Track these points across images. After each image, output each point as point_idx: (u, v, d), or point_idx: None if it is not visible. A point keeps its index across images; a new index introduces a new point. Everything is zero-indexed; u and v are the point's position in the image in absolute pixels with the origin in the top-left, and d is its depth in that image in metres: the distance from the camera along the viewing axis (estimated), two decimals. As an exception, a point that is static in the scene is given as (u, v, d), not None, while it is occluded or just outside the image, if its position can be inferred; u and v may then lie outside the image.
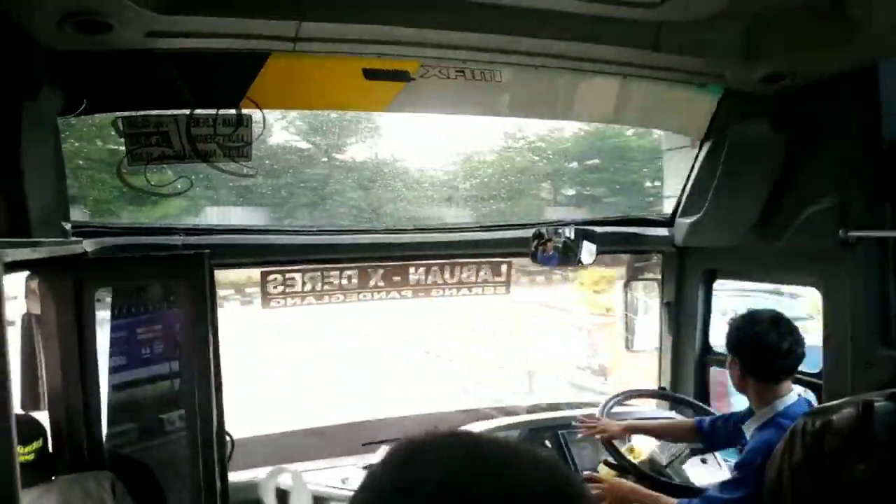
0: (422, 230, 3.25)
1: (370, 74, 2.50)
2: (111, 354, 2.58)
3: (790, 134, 2.55)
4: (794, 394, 2.31)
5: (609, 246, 3.32)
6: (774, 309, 2.39)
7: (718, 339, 3.33)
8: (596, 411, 2.92)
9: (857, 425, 1.81)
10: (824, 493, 1.77)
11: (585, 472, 2.67)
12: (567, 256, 3.14)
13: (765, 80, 2.39)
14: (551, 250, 3.02)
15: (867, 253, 2.40)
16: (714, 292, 3.38)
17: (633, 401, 3.29)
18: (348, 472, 3.00)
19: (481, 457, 0.63)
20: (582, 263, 3.22)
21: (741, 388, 2.36)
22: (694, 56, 2.30)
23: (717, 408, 3.29)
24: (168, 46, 1.94)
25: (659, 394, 3.44)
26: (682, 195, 3.29)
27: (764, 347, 2.24)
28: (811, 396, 2.65)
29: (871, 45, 2.10)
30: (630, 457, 2.80)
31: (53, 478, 2.28)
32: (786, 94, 2.49)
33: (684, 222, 3.24)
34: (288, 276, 3.11)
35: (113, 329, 2.57)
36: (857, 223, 2.35)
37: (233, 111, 2.45)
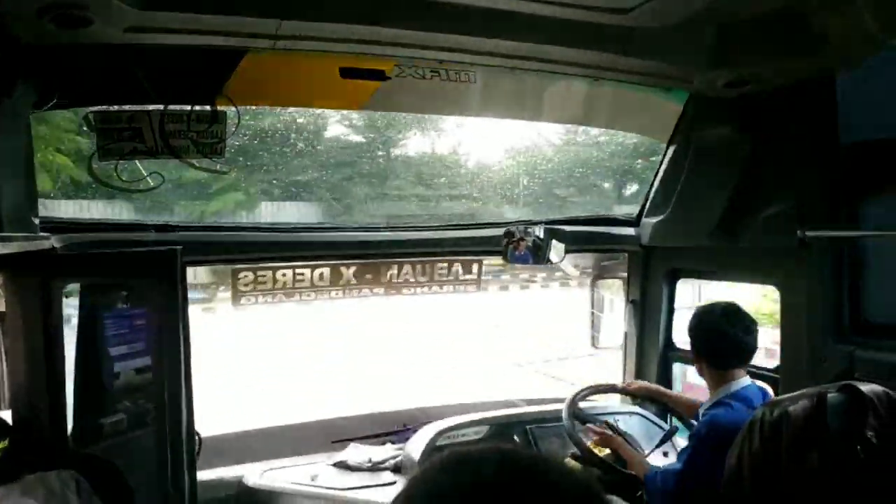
0: (395, 228, 3.28)
1: (347, 73, 2.52)
2: (78, 352, 2.53)
3: (753, 137, 2.65)
4: (746, 380, 2.50)
5: (577, 245, 3.39)
6: (732, 301, 2.58)
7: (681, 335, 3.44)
8: (562, 406, 2.98)
9: (812, 416, 1.90)
10: (782, 481, 1.85)
11: (588, 425, 2.90)
12: (537, 255, 3.21)
13: (729, 85, 2.47)
14: (523, 249, 3.07)
15: (823, 252, 2.51)
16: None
17: (597, 396, 3.36)
18: (318, 469, 3.01)
19: (516, 463, 0.68)
20: (550, 262, 3.30)
21: (700, 374, 2.61)
22: (662, 61, 2.37)
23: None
24: (146, 41, 1.91)
25: (620, 389, 3.52)
26: (647, 196, 3.38)
27: (716, 335, 2.48)
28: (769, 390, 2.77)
29: (829, 56, 2.20)
30: (596, 451, 2.88)
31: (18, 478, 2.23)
32: (749, 100, 2.58)
33: (650, 222, 3.33)
34: (259, 273, 3.10)
35: (80, 326, 2.52)
36: (815, 224, 2.45)
37: (207, 107, 2.44)
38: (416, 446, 2.91)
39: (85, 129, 2.37)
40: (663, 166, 3.25)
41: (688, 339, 2.72)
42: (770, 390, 2.67)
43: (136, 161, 2.49)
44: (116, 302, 2.59)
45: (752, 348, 2.49)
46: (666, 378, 3.47)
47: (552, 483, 0.66)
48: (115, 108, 2.36)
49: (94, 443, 2.51)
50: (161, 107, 2.40)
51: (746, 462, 1.91)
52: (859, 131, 2.41)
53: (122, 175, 2.46)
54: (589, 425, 2.96)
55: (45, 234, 2.34)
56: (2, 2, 1.54)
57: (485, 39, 2.18)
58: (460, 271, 3.46)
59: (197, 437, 2.62)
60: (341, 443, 3.29)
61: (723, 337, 2.47)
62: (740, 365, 2.51)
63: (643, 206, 3.44)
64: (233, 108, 2.50)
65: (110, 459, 2.49)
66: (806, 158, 2.51)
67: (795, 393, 1.97)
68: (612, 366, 3.82)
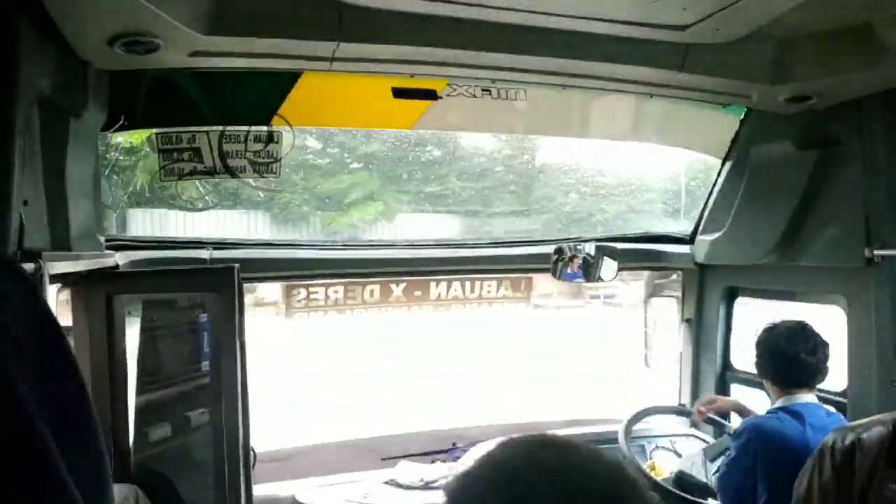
0: (443, 245, 3.28)
1: (399, 93, 2.54)
2: (139, 367, 2.60)
3: (816, 154, 2.57)
4: (808, 397, 2.42)
5: (629, 262, 3.34)
6: (800, 320, 2.51)
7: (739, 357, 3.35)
8: (619, 427, 2.92)
9: (888, 443, 1.81)
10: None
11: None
12: (588, 272, 3.17)
13: (790, 100, 2.41)
14: (575, 267, 3.04)
15: (892, 272, 2.40)
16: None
17: (653, 417, 3.28)
18: (369, 487, 3.01)
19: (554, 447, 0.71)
20: (602, 279, 3.25)
21: (767, 393, 2.55)
22: (720, 77, 2.32)
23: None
24: (209, 66, 1.98)
25: (678, 410, 3.43)
26: (702, 213, 3.31)
27: (781, 355, 2.42)
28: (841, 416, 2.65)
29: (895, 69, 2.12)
30: (652, 474, 2.81)
31: None
32: (811, 115, 2.51)
33: (705, 240, 3.25)
34: (311, 289, 3.15)
35: (142, 342, 2.59)
36: (882, 242, 2.36)
37: (264, 128, 2.50)
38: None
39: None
40: (718, 183, 3.17)
41: (747, 360, 2.68)
42: (842, 416, 2.56)
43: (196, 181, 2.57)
44: (176, 319, 2.66)
45: (817, 369, 2.42)
46: (723, 399, 3.37)
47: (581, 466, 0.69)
48: (177, 129, 2.43)
49: (153, 457, 2.57)
50: (220, 128, 2.47)
51: (816, 491, 1.83)
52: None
53: (183, 194, 2.54)
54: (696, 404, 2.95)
55: (109, 252, 2.42)
56: (75, 30, 1.60)
57: (539, 58, 2.17)
58: (510, 288, 3.44)
59: (252, 453, 2.66)
60: (391, 460, 3.29)
61: (785, 356, 2.42)
62: (806, 386, 2.43)
63: (697, 224, 3.37)
64: (288, 129, 2.55)
65: (167, 474, 2.54)
66: (873, 175, 2.42)
67: (869, 419, 1.88)
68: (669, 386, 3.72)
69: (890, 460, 1.80)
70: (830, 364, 2.46)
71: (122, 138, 2.75)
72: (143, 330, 2.67)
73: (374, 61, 2.11)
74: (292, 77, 2.36)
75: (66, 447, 0.68)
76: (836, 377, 2.67)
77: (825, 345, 2.42)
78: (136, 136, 2.81)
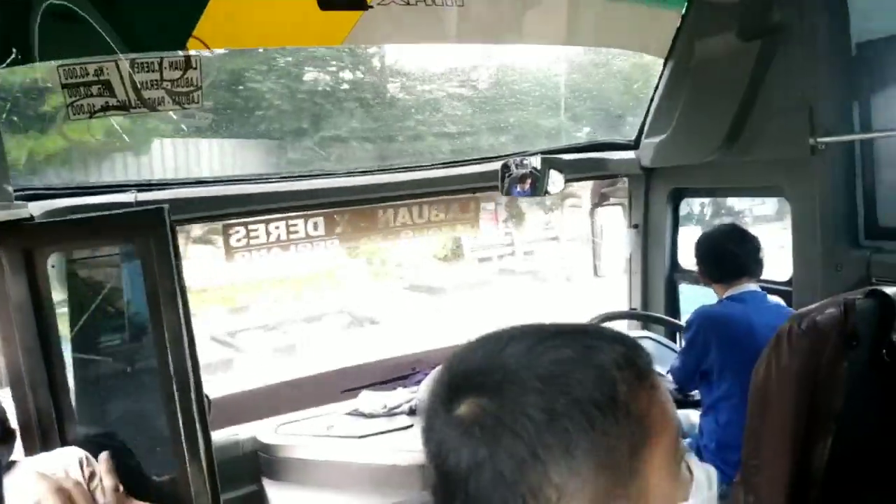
0: (386, 170, 3.15)
1: (325, 3, 2.33)
2: (72, 325, 2.43)
3: (759, 44, 2.51)
4: (749, 285, 2.60)
5: (576, 173, 3.30)
6: (733, 221, 2.80)
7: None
8: None
9: (841, 324, 1.85)
10: (815, 394, 1.82)
11: None
12: (535, 187, 3.10)
13: (733, -14, 2.33)
14: (525, 183, 2.97)
15: (835, 158, 2.42)
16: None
17: (608, 323, 3.34)
18: (332, 420, 2.97)
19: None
20: (549, 193, 3.20)
21: (716, 292, 2.70)
22: None
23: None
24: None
25: (633, 314, 3.50)
26: (646, 116, 3.26)
27: (717, 252, 2.64)
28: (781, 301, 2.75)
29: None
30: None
31: (19, 459, 2.14)
32: (752, 3, 2.45)
33: (650, 143, 3.22)
34: (251, 227, 2.98)
35: (72, 297, 2.41)
36: (826, 129, 2.36)
37: (180, 53, 2.26)
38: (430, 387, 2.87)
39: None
40: (661, 84, 3.12)
41: (693, 261, 2.76)
42: (781, 301, 2.67)
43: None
44: (108, 269, 2.47)
45: (751, 259, 2.61)
46: (673, 300, 3.45)
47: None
48: (82, 60, 2.17)
49: (99, 417, 2.44)
50: (130, 56, 2.22)
51: (775, 375, 1.86)
52: (871, 28, 2.29)
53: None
54: None
55: (21, 203, 2.19)
56: None
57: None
58: (458, 212, 3.35)
59: (207, 399, 2.55)
60: (351, 392, 3.25)
61: (721, 252, 2.63)
62: (744, 276, 2.61)
63: (641, 128, 3.33)
64: (206, 52, 2.32)
65: (117, 433, 2.42)
66: (816, 61, 2.39)
67: (821, 302, 1.91)
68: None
69: (842, 339, 1.85)
70: (764, 255, 2.65)
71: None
72: (71, 285, 2.48)
73: (295, -34, 1.90)
74: (205, -9, 2.12)
75: None
76: (783, 268, 2.77)
77: (755, 238, 2.63)
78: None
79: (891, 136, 2.37)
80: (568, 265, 11.75)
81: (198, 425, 2.35)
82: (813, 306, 1.98)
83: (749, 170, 2.81)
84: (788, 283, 2.74)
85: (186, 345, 2.33)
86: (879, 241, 2.40)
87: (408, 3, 2.43)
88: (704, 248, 2.71)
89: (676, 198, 3.35)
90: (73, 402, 2.39)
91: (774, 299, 2.68)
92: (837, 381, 1.83)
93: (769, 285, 2.81)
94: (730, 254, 2.61)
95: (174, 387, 2.30)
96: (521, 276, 12.57)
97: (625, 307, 3.67)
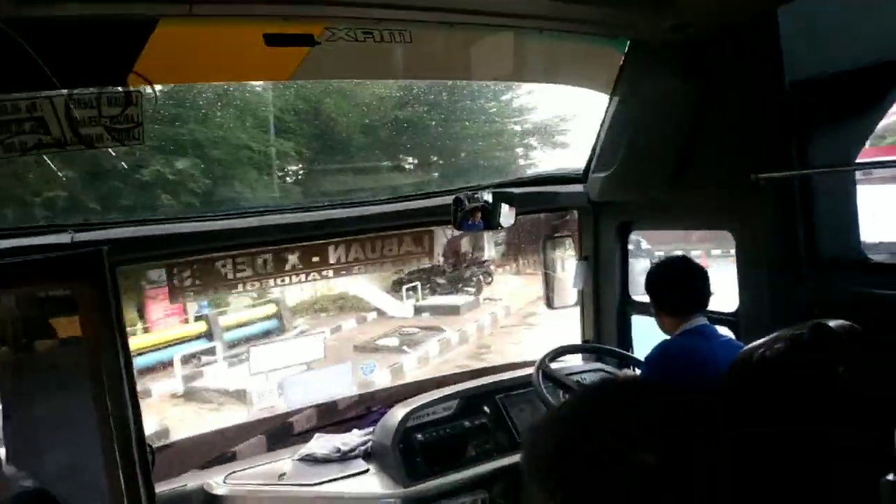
0: (337, 206, 3.10)
1: (272, 40, 2.29)
2: (4, 375, 2.28)
3: (698, 83, 2.60)
4: (701, 319, 2.59)
5: (527, 206, 3.32)
6: (682, 254, 2.80)
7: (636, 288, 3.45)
8: (530, 371, 2.94)
9: (789, 359, 1.89)
10: (766, 426, 1.84)
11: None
12: (487, 220, 3.11)
13: (672, 29, 2.41)
14: (476, 217, 2.97)
15: (776, 193, 2.50)
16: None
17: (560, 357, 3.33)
18: (284, 466, 2.86)
19: None
20: (502, 226, 3.21)
21: (660, 324, 2.70)
22: (606, 6, 2.27)
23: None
24: (41, 14, 1.66)
25: (588, 347, 3.51)
26: (593, 150, 3.32)
27: (671, 286, 2.63)
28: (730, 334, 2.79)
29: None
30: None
31: None
32: (692, 45, 2.53)
33: (598, 177, 3.28)
34: (196, 266, 2.87)
35: (4, 345, 2.26)
36: (766, 166, 2.44)
37: (119, 88, 2.18)
38: (386, 430, 2.80)
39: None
40: (607, 119, 3.18)
41: (643, 292, 2.78)
42: (731, 335, 2.71)
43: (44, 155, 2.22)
44: (40, 316, 2.33)
45: (703, 293, 2.61)
46: (625, 331, 3.48)
47: None
48: (12, 96, 2.07)
49: (32, 473, 2.28)
50: (65, 91, 2.13)
51: (733, 412, 1.88)
52: (804, 68, 2.40)
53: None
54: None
55: (-57, 246, 2.06)
56: None
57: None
58: (412, 245, 3.33)
59: (149, 449, 2.42)
60: (303, 435, 3.15)
61: (675, 286, 2.61)
62: (697, 310, 2.60)
63: (589, 162, 3.38)
64: (148, 88, 2.25)
65: (51, 490, 2.26)
66: (752, 100, 2.48)
67: (770, 337, 1.95)
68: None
69: (791, 373, 1.89)
70: (713, 288, 2.64)
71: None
72: (3, 331, 2.33)
73: (239, 2, 1.87)
74: (147, 26, 2.05)
75: None
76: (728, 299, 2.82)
77: (705, 271, 2.64)
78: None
79: (828, 172, 2.47)
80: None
81: (140, 479, 2.22)
82: (762, 341, 2.01)
83: (694, 205, 2.88)
84: (734, 314, 2.79)
85: (127, 393, 2.22)
86: (821, 273, 2.46)
87: (356, 40, 2.41)
88: (656, 280, 2.71)
89: (624, 231, 3.41)
90: (2, 456, 2.24)
91: (724, 332, 2.70)
92: (787, 414, 1.87)
93: (716, 315, 2.87)
94: (682, 286, 2.61)
95: (114, 438, 2.18)
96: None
97: (578, 340, 3.69)
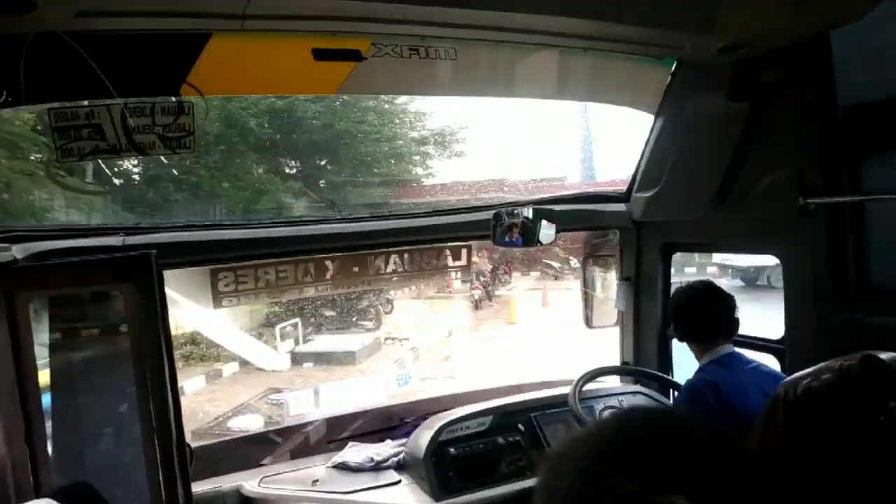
0: (378, 217, 3.14)
1: (320, 55, 2.35)
2: (52, 370, 2.37)
3: (747, 105, 2.55)
4: (726, 347, 2.60)
5: (567, 224, 3.30)
6: (707, 280, 2.74)
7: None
8: (566, 390, 2.91)
9: (837, 391, 1.82)
10: (812, 460, 1.78)
11: None
12: (526, 237, 3.10)
13: (722, 50, 2.37)
14: (514, 233, 2.96)
15: (825, 219, 2.43)
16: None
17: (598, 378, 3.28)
18: (317, 473, 2.89)
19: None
20: (541, 243, 3.19)
21: (694, 353, 2.68)
22: (654, 28, 2.26)
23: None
24: (101, 28, 1.74)
25: (626, 370, 3.45)
26: (637, 170, 3.29)
27: (694, 313, 2.62)
28: (775, 363, 2.72)
29: (824, 13, 2.11)
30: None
31: None
32: (742, 65, 2.49)
33: (641, 197, 3.24)
34: (240, 273, 2.95)
35: (53, 342, 2.36)
36: (816, 190, 2.38)
37: (172, 98, 2.27)
38: (419, 442, 2.81)
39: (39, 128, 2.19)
40: (651, 139, 3.15)
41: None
42: (761, 360, 2.66)
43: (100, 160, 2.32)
44: (90, 314, 2.43)
45: (729, 320, 2.60)
46: (666, 354, 3.41)
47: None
48: (72, 104, 2.17)
49: (76, 467, 2.36)
50: (122, 100, 2.23)
51: (771, 443, 1.82)
52: (858, 92, 2.33)
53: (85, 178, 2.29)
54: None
55: (4, 245, 2.16)
56: None
57: (469, 11, 2.04)
58: (450, 258, 3.34)
59: (189, 450, 2.48)
60: (337, 442, 3.17)
61: (704, 316, 2.60)
62: (722, 336, 2.60)
63: (633, 181, 3.35)
64: (200, 98, 2.33)
65: (93, 484, 2.34)
66: (804, 123, 2.42)
67: (816, 367, 1.89)
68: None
69: (839, 406, 1.82)
70: (739, 315, 2.64)
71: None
72: (53, 330, 2.43)
73: (290, 18, 1.92)
74: (200, 39, 2.14)
75: None
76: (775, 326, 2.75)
77: (730, 297, 2.63)
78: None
79: (879, 200, 2.39)
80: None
81: (178, 478, 2.27)
82: (807, 371, 1.95)
83: (740, 227, 2.82)
84: (781, 341, 2.71)
85: (169, 394, 2.28)
86: (872, 303, 2.38)
87: (401, 56, 2.46)
88: (680, 307, 2.69)
89: (668, 251, 3.35)
90: (50, 452, 2.32)
91: (753, 358, 2.65)
92: (834, 449, 1.80)
93: (762, 342, 2.80)
94: (705, 314, 2.60)
95: (155, 437, 2.24)
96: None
97: (616, 361, 3.63)
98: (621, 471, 0.66)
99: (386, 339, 11.08)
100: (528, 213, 3.08)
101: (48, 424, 2.31)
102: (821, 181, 2.39)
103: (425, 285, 10.33)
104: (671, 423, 0.73)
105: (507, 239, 3.11)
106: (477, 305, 13.66)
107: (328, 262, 3.07)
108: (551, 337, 10.18)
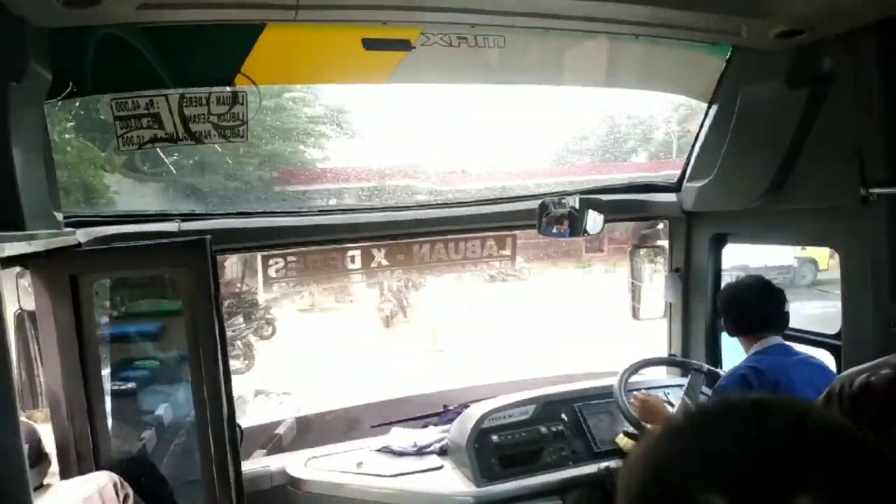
0: (424, 206, 3.16)
1: (370, 44, 2.38)
2: (113, 348, 2.48)
3: (805, 92, 2.47)
4: (774, 339, 2.57)
5: (615, 214, 3.26)
6: (756, 275, 2.71)
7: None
8: (613, 381, 2.88)
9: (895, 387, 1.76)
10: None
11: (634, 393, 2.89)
12: (573, 227, 3.08)
13: (780, 35, 2.30)
14: (562, 223, 2.95)
15: (887, 209, 2.34)
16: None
17: (646, 369, 3.25)
18: (362, 456, 2.95)
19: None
20: (588, 233, 3.17)
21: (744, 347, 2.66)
22: (710, 13, 2.20)
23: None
24: (161, 20, 1.80)
25: (673, 361, 3.40)
26: (688, 159, 3.22)
27: (743, 307, 2.62)
28: (830, 359, 2.64)
29: (890, -1, 2.02)
30: (648, 426, 2.78)
31: (51, 482, 2.17)
32: (801, 51, 2.40)
33: (693, 187, 3.17)
34: (289, 258, 3.02)
35: (113, 322, 2.46)
36: (878, 180, 2.29)
37: (227, 88, 2.33)
38: (462, 429, 2.83)
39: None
40: (704, 128, 3.07)
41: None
42: (809, 353, 2.62)
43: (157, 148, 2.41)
44: (148, 296, 2.53)
45: (776, 312, 2.59)
46: (714, 347, 3.35)
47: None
48: (133, 94, 2.25)
49: (133, 442, 2.47)
50: (179, 90, 2.30)
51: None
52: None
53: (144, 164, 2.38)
54: (634, 392, 2.88)
55: (69, 230, 2.26)
56: None
57: (521, -2, 2.04)
58: (494, 247, 3.35)
59: (239, 429, 2.57)
60: (382, 427, 3.23)
61: (746, 307, 2.61)
62: (770, 329, 2.58)
63: (684, 171, 3.28)
64: (254, 88, 2.39)
65: (149, 458, 2.44)
66: (866, 111, 2.33)
67: (874, 362, 1.83)
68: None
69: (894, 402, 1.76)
70: (788, 309, 2.62)
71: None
72: (113, 309, 2.53)
73: (341, 8, 1.95)
74: (255, 30, 2.19)
75: None
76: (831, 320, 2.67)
77: (780, 291, 2.63)
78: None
79: None
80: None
81: (229, 457, 2.35)
82: (866, 366, 1.89)
83: (795, 218, 2.74)
84: (837, 336, 2.63)
85: (221, 372, 2.35)
86: None
87: (450, 45, 2.46)
88: (729, 301, 2.69)
89: (719, 243, 3.28)
90: (110, 427, 2.43)
91: (801, 351, 2.61)
92: (891, 446, 1.75)
93: (818, 337, 2.73)
94: (754, 307, 2.59)
95: (208, 417, 2.32)
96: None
97: (664, 353, 3.58)
98: (670, 474, 0.64)
99: (258, 392, 7.48)
100: (575, 202, 3.06)
101: (108, 401, 2.42)
102: (884, 171, 2.30)
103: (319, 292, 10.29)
104: (713, 418, 0.68)
105: (553, 230, 3.09)
106: (387, 322, 11.70)
107: (374, 250, 3.11)
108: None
